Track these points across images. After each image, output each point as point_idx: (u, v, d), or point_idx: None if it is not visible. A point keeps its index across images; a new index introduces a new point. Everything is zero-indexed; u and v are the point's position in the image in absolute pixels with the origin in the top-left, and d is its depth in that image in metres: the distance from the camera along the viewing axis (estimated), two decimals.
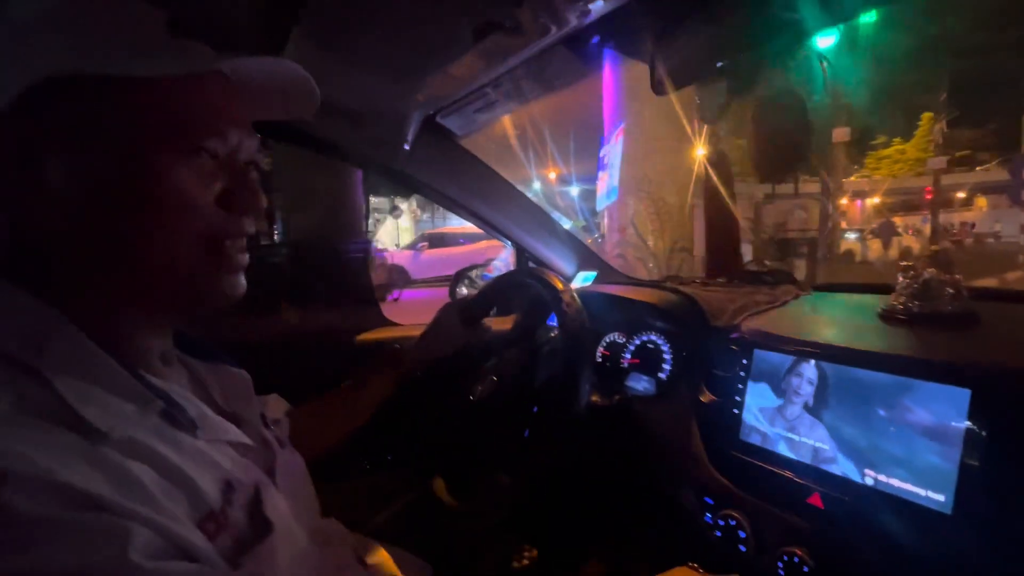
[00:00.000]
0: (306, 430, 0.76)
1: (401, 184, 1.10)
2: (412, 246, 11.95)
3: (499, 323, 1.02)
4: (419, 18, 0.62)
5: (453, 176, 1.15)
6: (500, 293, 1.00)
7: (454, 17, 0.62)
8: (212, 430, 0.46)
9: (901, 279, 0.77)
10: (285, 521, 0.50)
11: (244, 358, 0.58)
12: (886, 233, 11.67)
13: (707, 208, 0.74)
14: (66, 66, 0.37)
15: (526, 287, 1.02)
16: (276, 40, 0.71)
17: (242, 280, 0.47)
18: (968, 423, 0.56)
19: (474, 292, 1.03)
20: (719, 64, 0.61)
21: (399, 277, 9.42)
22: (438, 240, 11.58)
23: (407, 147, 1.03)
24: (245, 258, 0.47)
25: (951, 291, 0.73)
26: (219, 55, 0.42)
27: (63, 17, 0.38)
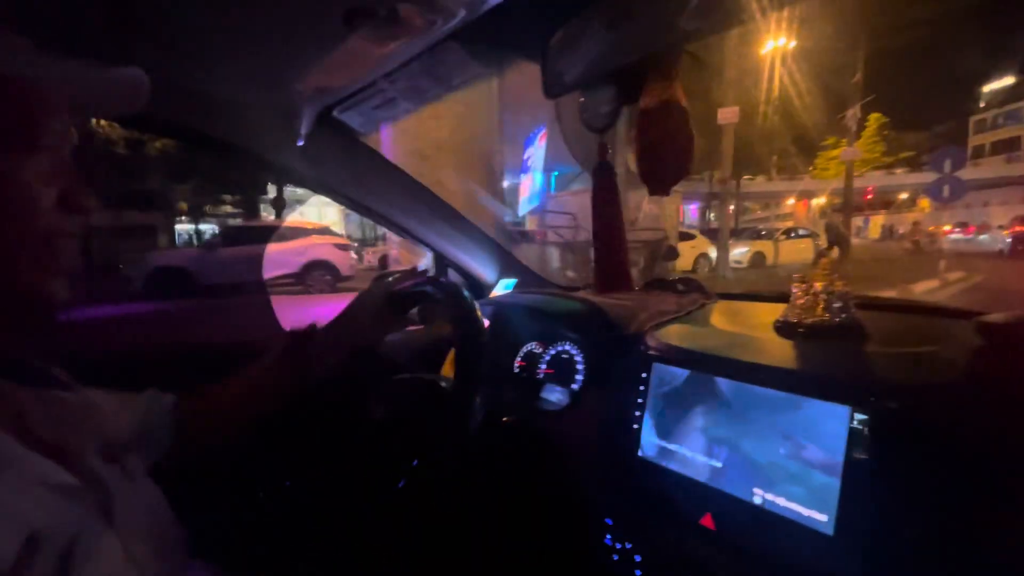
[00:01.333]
0: (202, 416, 0.70)
1: (295, 182, 1.01)
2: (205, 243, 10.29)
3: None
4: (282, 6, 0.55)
5: (355, 176, 1.06)
6: (419, 295, 0.92)
7: (316, 2, 0.55)
8: (23, 471, 0.40)
9: (794, 291, 0.78)
10: (115, 572, 0.44)
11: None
12: (832, 234, 12.26)
13: (594, 221, 0.71)
14: None
15: (433, 296, 0.96)
16: (129, 24, 0.62)
17: (64, 280, 0.44)
18: (848, 441, 0.56)
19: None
20: (605, 67, 0.57)
21: None
22: (251, 235, 9.17)
23: (300, 142, 0.94)
24: (70, 257, 0.44)
25: (838, 304, 0.74)
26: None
27: None
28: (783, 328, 0.76)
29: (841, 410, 0.57)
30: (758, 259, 13.08)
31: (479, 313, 0.78)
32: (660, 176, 0.61)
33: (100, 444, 0.52)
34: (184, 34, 0.64)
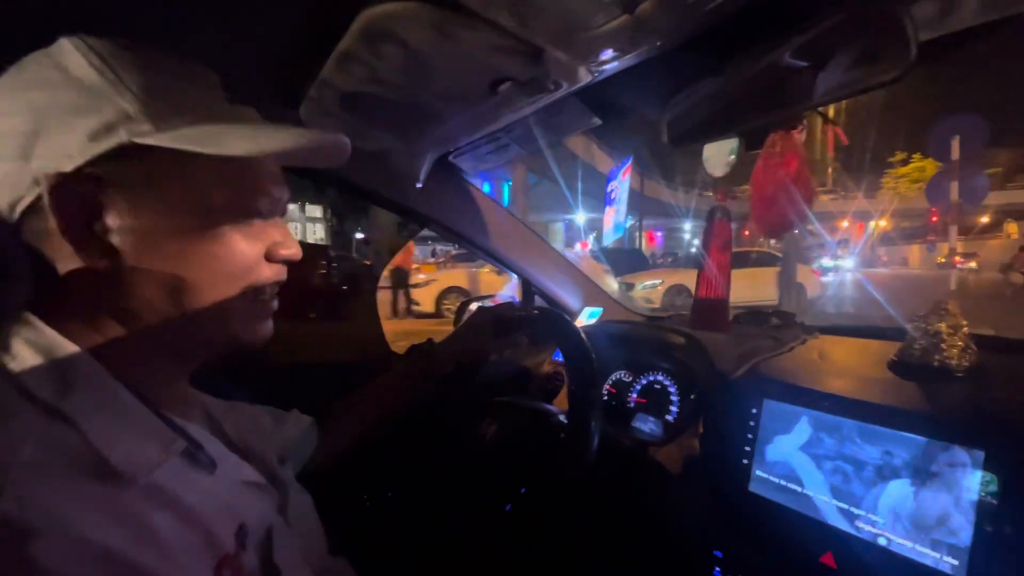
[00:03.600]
0: (337, 429, 0.79)
1: (411, 220, 1.11)
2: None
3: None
4: (440, 72, 0.64)
5: (463, 212, 1.16)
6: (526, 320, 1.00)
7: (474, 72, 0.64)
8: (230, 470, 0.47)
9: (911, 329, 0.77)
10: (295, 564, 0.50)
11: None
12: None
13: (705, 258, 0.75)
14: (145, 137, 0.38)
15: (543, 324, 1.02)
16: (296, 91, 0.74)
17: (271, 324, 0.50)
18: (981, 485, 0.55)
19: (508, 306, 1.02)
20: (728, 122, 0.62)
21: None
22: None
23: (419, 185, 1.04)
24: (276, 303, 0.50)
25: (960, 344, 0.72)
26: (280, 132, 0.42)
27: (137, 84, 0.39)
28: (900, 367, 0.75)
29: (975, 454, 0.57)
30: (675, 294, 9.40)
31: (589, 344, 0.83)
32: (771, 222, 0.65)
33: (271, 450, 0.60)
34: (349, 106, 0.75)
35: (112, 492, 0.35)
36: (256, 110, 0.47)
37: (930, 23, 0.50)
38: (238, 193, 0.43)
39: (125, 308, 0.41)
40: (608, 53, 0.60)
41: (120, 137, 0.37)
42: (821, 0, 0.49)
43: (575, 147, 14.90)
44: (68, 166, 0.37)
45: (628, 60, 0.62)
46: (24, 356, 0.39)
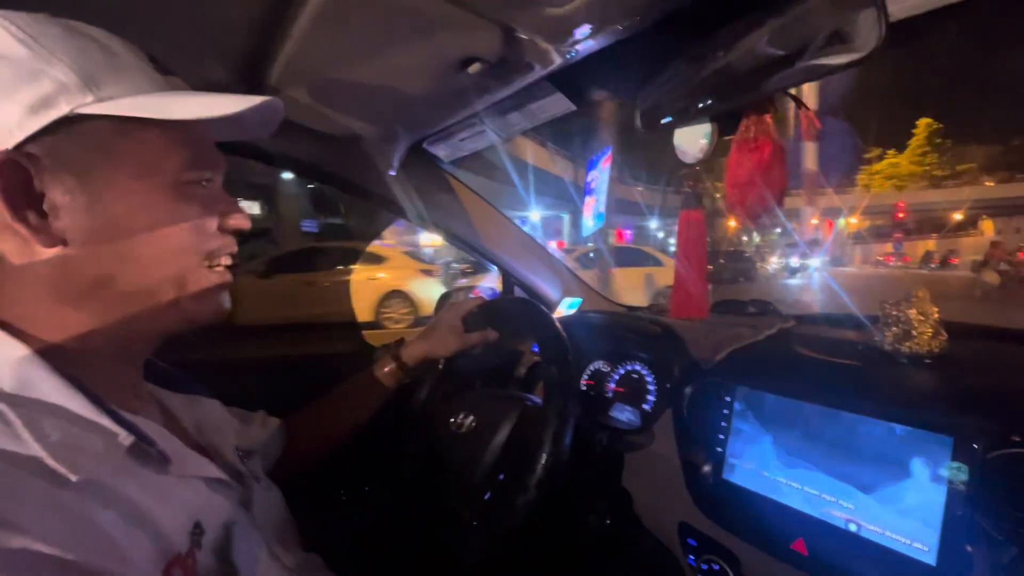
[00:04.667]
0: (306, 432, 0.78)
1: (385, 208, 1.09)
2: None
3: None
4: (405, 49, 0.62)
5: (439, 201, 1.14)
6: (497, 313, 0.99)
7: (440, 53, 0.62)
8: (183, 465, 0.44)
9: (882, 316, 0.78)
10: (257, 561, 0.49)
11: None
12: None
13: (678, 246, 0.74)
14: (88, 107, 0.36)
15: (515, 313, 1.01)
16: (259, 74, 0.71)
17: (227, 297, 0.49)
18: (950, 471, 0.56)
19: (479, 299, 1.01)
20: (702, 105, 0.61)
21: None
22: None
23: (392, 172, 1.02)
24: (229, 276, 0.48)
25: (930, 331, 0.73)
26: (223, 97, 0.41)
27: (68, 55, 0.37)
28: (873, 355, 0.75)
29: (944, 440, 0.57)
30: None
31: (562, 330, 0.83)
32: (749, 207, 0.64)
33: (234, 447, 0.58)
34: (311, 86, 0.72)
35: (51, 490, 0.33)
36: (217, 88, 0.45)
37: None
38: (183, 163, 0.42)
39: (75, 291, 0.39)
40: (579, 32, 0.58)
41: (60, 109, 0.36)
42: None
43: (524, 154, 14.93)
44: (8, 143, 0.35)
45: (600, 40, 0.60)
46: None
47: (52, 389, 0.37)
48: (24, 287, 0.39)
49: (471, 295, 1.51)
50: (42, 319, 0.39)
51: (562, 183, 17.67)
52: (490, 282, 1.61)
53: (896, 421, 0.61)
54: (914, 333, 0.73)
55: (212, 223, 0.45)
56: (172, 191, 0.42)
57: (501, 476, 0.80)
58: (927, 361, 0.71)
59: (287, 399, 0.80)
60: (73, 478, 0.34)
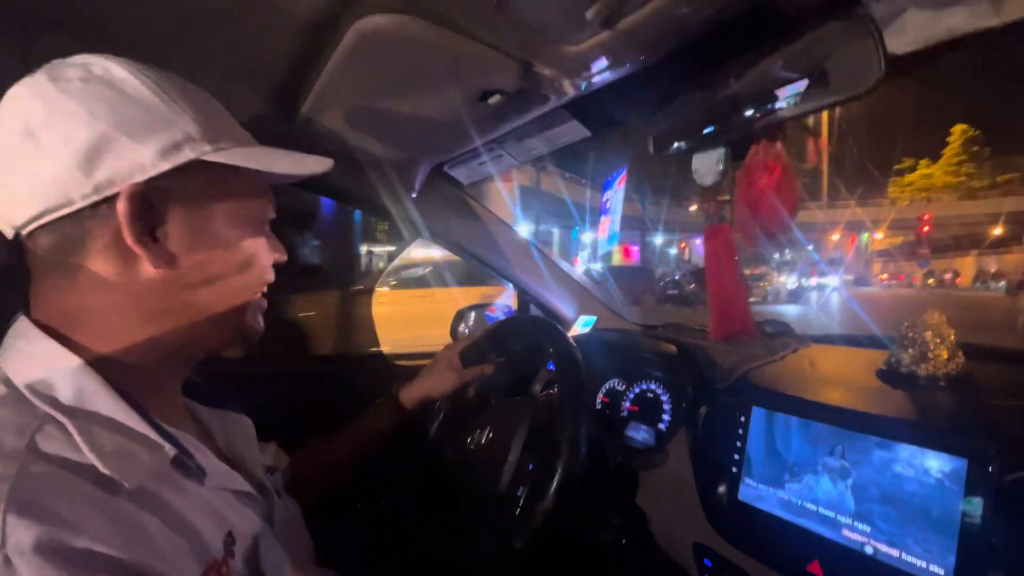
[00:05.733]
0: (309, 472, 0.79)
1: (406, 228, 1.13)
2: None
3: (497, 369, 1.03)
4: (431, 83, 0.66)
5: (457, 221, 1.18)
6: (501, 338, 1.01)
7: (463, 86, 0.66)
8: (217, 478, 0.47)
9: (899, 338, 0.78)
10: (282, 573, 0.51)
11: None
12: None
13: (708, 268, 0.76)
14: (208, 155, 0.42)
15: (526, 333, 1.04)
16: (293, 101, 0.76)
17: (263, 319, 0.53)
18: (966, 493, 0.56)
19: (475, 334, 1.05)
20: (713, 131, 0.63)
21: None
22: None
23: (414, 195, 1.06)
24: (265, 302, 0.54)
25: (946, 353, 0.73)
26: (309, 158, 0.49)
27: (190, 108, 0.43)
28: (890, 376, 0.76)
29: (959, 462, 0.57)
30: None
31: (574, 345, 0.85)
32: (762, 225, 0.66)
33: (260, 462, 0.61)
34: (343, 114, 0.77)
35: (106, 497, 0.36)
36: (257, 117, 0.50)
37: (907, 36, 0.51)
38: (261, 205, 0.49)
39: (164, 308, 0.44)
40: (593, 67, 0.61)
41: (187, 155, 0.41)
42: (797, 17, 0.50)
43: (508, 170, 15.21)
44: (140, 178, 0.40)
45: (614, 73, 0.63)
46: (19, 366, 0.40)
47: (105, 402, 0.40)
48: (108, 305, 0.42)
49: (487, 312, 1.54)
50: (114, 336, 0.43)
51: (550, 197, 17.59)
52: (506, 299, 1.64)
53: (912, 443, 0.61)
54: (930, 355, 0.74)
55: (271, 255, 0.51)
56: (252, 227, 0.48)
57: (530, 466, 0.82)
58: (942, 383, 0.71)
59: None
60: (126, 485, 0.37)
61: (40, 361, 0.40)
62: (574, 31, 0.53)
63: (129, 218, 0.40)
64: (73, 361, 0.40)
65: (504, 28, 0.54)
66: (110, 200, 0.39)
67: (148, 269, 0.42)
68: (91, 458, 0.37)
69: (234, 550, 0.45)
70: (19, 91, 0.40)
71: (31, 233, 0.40)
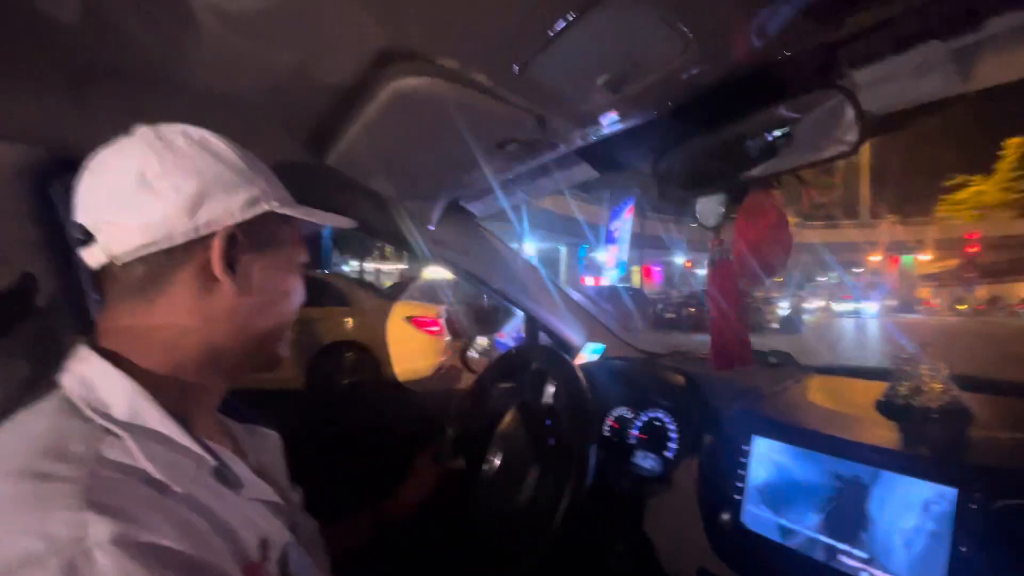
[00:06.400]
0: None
1: (422, 257, 1.19)
2: None
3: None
4: (454, 134, 0.72)
5: (470, 251, 1.23)
6: (509, 367, 1.06)
7: (484, 135, 0.72)
8: (251, 489, 0.51)
9: (896, 371, 0.82)
10: None
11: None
12: None
13: (712, 300, 0.80)
14: (277, 208, 0.53)
15: (532, 362, 1.08)
16: (325, 143, 0.82)
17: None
18: (956, 522, 0.59)
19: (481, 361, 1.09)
20: (713, 179, 0.69)
21: None
22: None
23: (431, 227, 1.12)
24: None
25: (939, 386, 0.76)
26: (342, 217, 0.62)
27: (263, 172, 0.54)
28: (887, 408, 0.79)
29: (949, 492, 0.60)
30: None
31: (581, 376, 0.89)
32: (756, 269, 0.70)
33: (287, 476, 0.65)
34: (368, 156, 0.83)
35: (160, 497, 0.41)
36: (291, 161, 0.58)
37: (887, 99, 0.57)
38: (300, 250, 0.58)
39: (227, 331, 0.51)
40: (602, 120, 0.67)
41: (262, 207, 0.51)
42: (783, 83, 0.56)
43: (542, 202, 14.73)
44: (231, 222, 0.49)
45: (621, 125, 0.69)
46: (79, 388, 0.45)
47: (154, 418, 0.45)
48: (185, 327, 0.49)
49: (497, 338, 1.58)
50: (171, 356, 0.49)
51: (554, 215, 16.97)
52: (514, 328, 1.68)
53: (905, 473, 0.64)
54: (924, 388, 0.77)
55: (298, 295, 0.59)
56: (294, 267, 0.57)
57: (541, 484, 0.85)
58: (935, 415, 0.74)
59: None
60: (178, 489, 0.42)
61: (98, 383, 0.45)
62: (585, 93, 0.59)
63: (221, 253, 0.49)
64: (127, 382, 0.45)
65: (523, 89, 0.60)
66: (204, 239, 0.48)
67: (227, 296, 0.50)
68: (146, 465, 0.41)
69: (269, 555, 0.48)
70: (132, 144, 0.48)
71: (127, 264, 0.47)
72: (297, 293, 0.58)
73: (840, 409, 0.86)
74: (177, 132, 0.50)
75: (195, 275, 0.49)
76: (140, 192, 0.46)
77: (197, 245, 0.48)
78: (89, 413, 0.43)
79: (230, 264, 0.50)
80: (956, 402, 0.75)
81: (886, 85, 0.55)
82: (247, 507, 0.49)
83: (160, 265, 0.48)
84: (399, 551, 1.04)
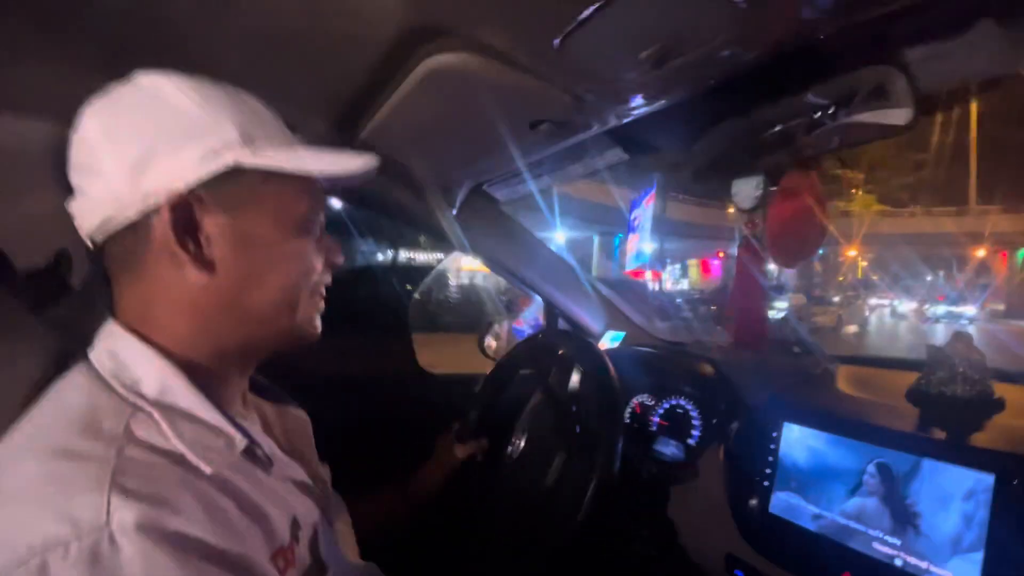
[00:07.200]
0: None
1: (444, 242, 1.18)
2: None
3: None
4: (487, 113, 0.71)
5: (492, 237, 1.23)
6: (532, 353, 1.06)
7: (517, 114, 0.71)
8: (282, 468, 0.50)
9: (929, 361, 0.80)
10: (340, 561, 0.54)
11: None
12: None
13: (737, 283, 0.79)
14: (246, 160, 0.44)
15: (556, 347, 1.08)
16: (356, 122, 0.82)
17: (320, 321, 0.54)
18: (993, 508, 0.58)
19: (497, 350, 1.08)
20: (751, 160, 0.68)
21: None
22: None
23: (454, 211, 1.12)
24: (323, 304, 0.55)
25: (976, 376, 0.75)
26: (346, 156, 0.49)
27: (230, 115, 0.44)
28: (918, 396, 0.78)
29: (986, 478, 0.59)
30: None
31: (608, 361, 0.89)
32: (789, 251, 0.70)
33: (316, 455, 0.65)
34: (399, 137, 0.83)
35: (191, 480, 0.40)
36: (321, 137, 0.53)
37: (938, 77, 0.55)
38: (307, 208, 0.49)
39: (211, 312, 0.45)
40: (638, 100, 0.66)
41: (225, 160, 0.43)
42: (833, 58, 0.55)
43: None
44: (181, 185, 0.42)
45: (658, 104, 0.68)
46: (109, 363, 0.44)
47: (185, 397, 0.44)
48: (171, 307, 0.45)
49: (515, 326, 1.58)
50: (182, 336, 0.46)
51: (586, 204, 15.86)
52: (533, 313, 1.68)
53: (942, 459, 0.64)
54: (959, 378, 0.76)
55: (320, 258, 0.52)
56: (298, 230, 0.49)
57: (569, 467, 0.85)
58: (971, 404, 0.73)
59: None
60: (207, 471, 0.41)
61: (127, 358, 0.44)
62: (626, 69, 0.58)
63: (171, 225, 0.42)
64: (156, 358, 0.44)
65: (561, 66, 0.59)
66: (160, 209, 0.42)
67: (193, 273, 0.44)
68: (176, 444, 0.40)
69: (299, 535, 0.48)
70: (83, 113, 0.44)
71: (104, 243, 0.45)
72: (305, 256, 0.50)
73: (871, 397, 0.85)
74: (127, 85, 0.44)
75: (163, 251, 0.43)
76: (88, 165, 0.43)
77: (153, 216, 0.42)
78: (121, 389, 0.42)
79: (191, 234, 0.43)
80: (988, 391, 0.74)
81: (936, 63, 0.53)
82: (277, 485, 0.48)
83: (130, 242, 0.44)
84: (424, 532, 1.06)
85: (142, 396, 0.42)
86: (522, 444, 0.96)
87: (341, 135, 0.83)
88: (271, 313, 0.48)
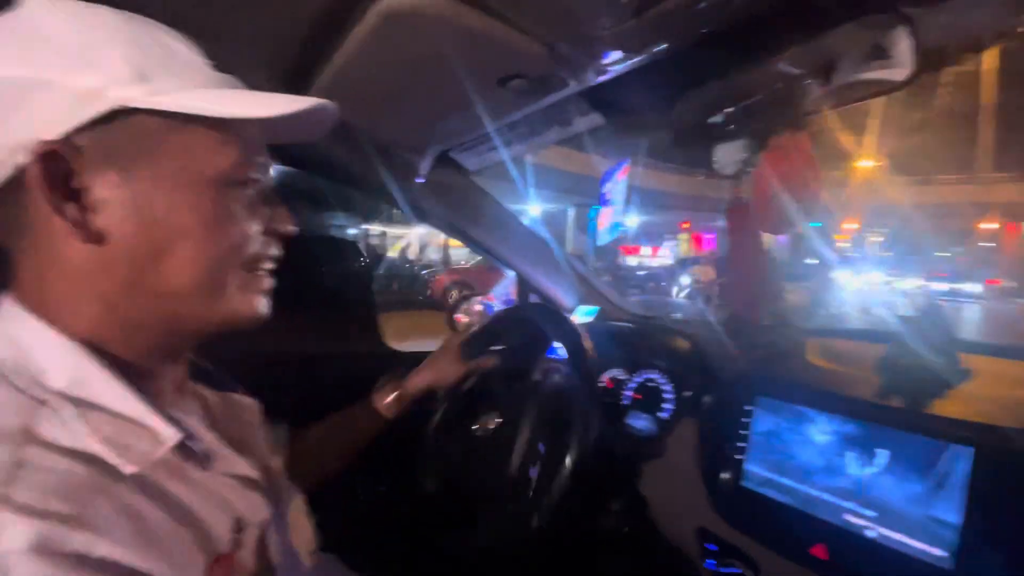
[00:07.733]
0: (306, 454, 0.76)
1: (410, 213, 1.11)
2: None
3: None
4: (453, 64, 0.64)
5: (461, 208, 1.17)
6: (504, 328, 1.01)
7: (486, 66, 0.65)
8: (224, 463, 0.45)
9: (898, 332, 0.80)
10: (290, 560, 0.50)
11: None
12: None
13: (732, 251, 0.77)
14: (137, 101, 0.35)
15: (529, 321, 1.04)
16: (306, 76, 0.73)
17: (266, 301, 0.46)
18: (971, 480, 0.58)
19: (476, 324, 1.05)
20: (736, 123, 0.64)
21: None
22: None
23: (421, 180, 1.05)
24: (271, 280, 0.47)
25: (944, 346, 0.75)
26: (279, 97, 0.40)
27: (120, 45, 0.36)
28: (889, 368, 0.77)
29: (965, 451, 0.59)
30: None
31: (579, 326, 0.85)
32: (778, 217, 0.67)
33: (266, 446, 0.60)
34: (358, 92, 0.75)
35: (108, 484, 0.34)
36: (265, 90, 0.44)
37: (940, 31, 0.52)
38: (230, 163, 0.40)
39: (112, 289, 0.38)
40: (617, 54, 0.61)
41: (109, 102, 0.35)
42: (827, 8, 0.50)
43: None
44: (52, 133, 0.34)
45: (636, 61, 0.63)
46: (6, 350, 0.37)
47: (102, 386, 0.37)
48: (68, 283, 0.38)
49: (485, 301, 1.53)
50: (88, 317, 0.39)
51: (561, 174, 14.71)
52: (504, 288, 1.63)
53: (919, 432, 0.63)
54: (924, 349, 0.76)
55: (255, 226, 0.43)
56: (216, 191, 0.40)
57: (541, 447, 0.82)
58: (946, 377, 0.73)
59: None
60: (126, 471, 0.35)
61: (27, 344, 0.37)
62: (606, 15, 0.52)
63: (44, 183, 0.34)
64: (65, 343, 0.37)
65: (535, 8, 0.53)
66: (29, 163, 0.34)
67: (79, 244, 0.36)
68: (90, 444, 0.34)
69: (241, 539, 0.43)
70: None
71: None
72: (229, 223, 0.41)
73: (842, 369, 0.85)
74: (7, 11, 0.35)
75: (47, 215, 0.36)
76: None
77: (28, 172, 0.35)
78: (19, 382, 0.35)
79: (75, 197, 0.36)
80: (967, 364, 0.74)
81: (936, 17, 0.50)
82: (217, 484, 0.43)
83: (12, 204, 0.36)
84: (391, 518, 1.02)
85: (48, 388, 0.35)
86: (493, 421, 0.93)
87: (287, 90, 0.74)
88: (189, 292, 0.40)
